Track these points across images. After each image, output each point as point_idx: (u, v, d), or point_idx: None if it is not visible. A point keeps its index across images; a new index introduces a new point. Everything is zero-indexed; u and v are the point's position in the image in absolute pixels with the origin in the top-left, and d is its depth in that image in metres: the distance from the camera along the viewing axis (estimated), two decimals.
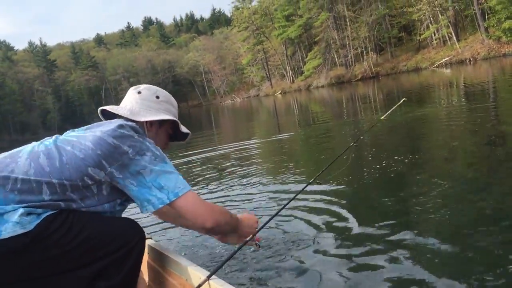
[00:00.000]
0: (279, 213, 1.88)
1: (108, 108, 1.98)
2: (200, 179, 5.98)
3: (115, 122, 1.79)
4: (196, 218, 1.73)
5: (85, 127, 1.87)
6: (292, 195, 2.22)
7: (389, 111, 3.11)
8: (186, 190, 1.72)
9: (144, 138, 1.78)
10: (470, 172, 4.17)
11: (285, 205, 1.93)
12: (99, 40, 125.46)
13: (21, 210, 1.55)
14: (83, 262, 1.64)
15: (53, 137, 1.84)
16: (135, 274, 1.78)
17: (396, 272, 2.29)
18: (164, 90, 2.10)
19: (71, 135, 1.80)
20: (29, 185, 1.61)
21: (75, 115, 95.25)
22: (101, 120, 1.99)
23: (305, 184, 2.28)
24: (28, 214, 1.56)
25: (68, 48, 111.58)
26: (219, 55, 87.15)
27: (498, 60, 30.81)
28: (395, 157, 5.08)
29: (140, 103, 1.97)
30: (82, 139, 1.73)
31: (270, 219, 1.83)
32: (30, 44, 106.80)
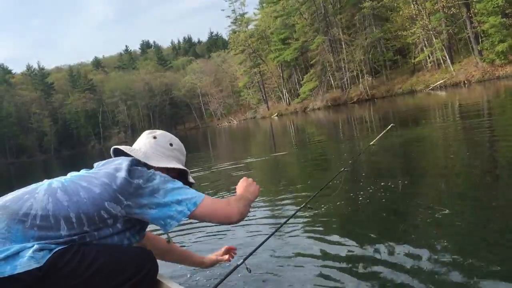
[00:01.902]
0: (269, 238, 1.91)
1: (122, 148, 2.03)
2: None
3: (126, 160, 1.86)
4: (220, 219, 1.85)
5: (98, 164, 1.94)
6: (283, 220, 2.25)
7: (378, 137, 3.16)
8: (202, 198, 1.82)
9: (152, 170, 1.87)
10: (466, 198, 4.20)
11: (275, 231, 1.97)
12: (97, 63, 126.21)
13: (36, 246, 1.60)
14: None
15: (68, 175, 1.90)
16: None
17: None
18: (177, 138, 2.15)
19: (85, 173, 1.87)
20: (48, 221, 1.66)
21: (72, 138, 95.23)
22: (111, 157, 2.04)
23: (295, 210, 2.32)
24: (42, 249, 1.62)
25: (66, 71, 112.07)
26: (216, 78, 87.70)
27: (493, 82, 31.09)
28: (388, 181, 5.11)
29: (154, 148, 2.03)
30: (97, 175, 1.80)
31: (260, 245, 1.86)
32: (28, 67, 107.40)
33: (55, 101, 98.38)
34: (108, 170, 1.81)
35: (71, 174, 1.89)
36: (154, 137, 2.07)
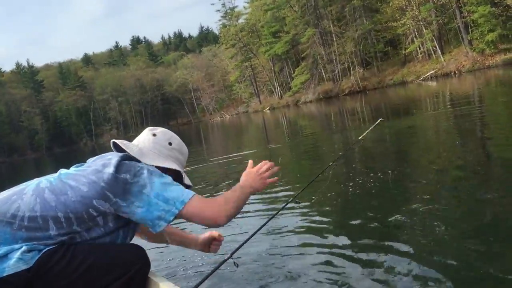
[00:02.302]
0: (257, 233, 1.91)
1: (119, 142, 1.98)
2: None
3: (116, 156, 1.83)
4: (206, 222, 1.78)
5: (91, 160, 1.91)
6: (272, 213, 2.25)
7: (366, 132, 3.16)
8: (190, 196, 1.76)
9: (135, 162, 1.82)
10: (457, 188, 4.21)
11: (261, 227, 1.96)
12: (87, 60, 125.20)
13: (24, 247, 1.60)
14: None
15: (57, 173, 1.87)
16: None
17: None
18: (178, 138, 2.07)
19: (74, 170, 1.84)
20: (36, 222, 1.65)
21: (63, 136, 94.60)
22: (111, 151, 2.02)
23: (283, 204, 2.32)
24: (30, 250, 1.61)
25: (55, 69, 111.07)
26: (207, 73, 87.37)
27: (483, 72, 31.26)
28: (379, 172, 5.13)
29: (152, 145, 1.97)
30: (85, 172, 1.77)
31: (246, 240, 1.85)
32: (18, 65, 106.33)
33: (45, 99, 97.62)
34: (96, 167, 1.78)
35: (61, 172, 1.86)
36: (154, 135, 2.01)
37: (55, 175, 1.83)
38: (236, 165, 8.27)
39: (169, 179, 1.81)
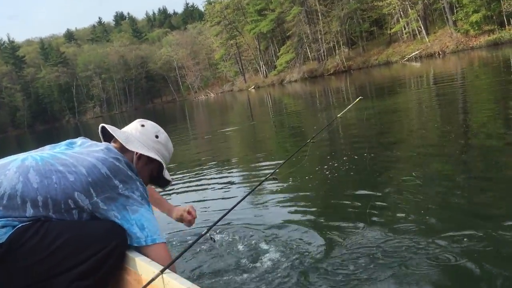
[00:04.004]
0: (233, 209, 1.92)
1: (107, 127, 1.98)
2: None
3: (113, 153, 1.81)
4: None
5: (83, 143, 1.89)
6: (249, 189, 2.27)
7: (345, 110, 3.18)
8: (161, 241, 1.79)
9: (135, 177, 1.81)
10: (436, 162, 4.28)
11: (238, 202, 1.97)
12: (70, 36, 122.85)
13: None
14: (66, 266, 1.64)
15: (44, 150, 1.84)
16: (112, 274, 1.77)
17: (352, 267, 2.35)
18: (166, 134, 2.09)
19: (65, 153, 1.79)
20: (15, 202, 1.63)
21: (45, 113, 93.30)
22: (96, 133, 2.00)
23: (259, 182, 2.33)
24: (4, 226, 1.59)
25: (37, 44, 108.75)
26: (192, 50, 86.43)
27: (466, 53, 31.46)
28: (360, 151, 5.17)
29: (138, 135, 1.98)
30: (76, 161, 1.73)
31: (224, 215, 1.86)
32: None
33: (26, 75, 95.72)
34: (90, 159, 1.74)
35: (49, 151, 1.81)
36: (142, 125, 2.03)
37: (44, 153, 1.78)
38: (220, 142, 8.27)
39: (152, 211, 1.83)
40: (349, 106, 3.22)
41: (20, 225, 1.61)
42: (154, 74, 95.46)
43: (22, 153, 1.83)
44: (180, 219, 2.37)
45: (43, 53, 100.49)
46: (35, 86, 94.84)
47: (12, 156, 1.81)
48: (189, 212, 2.35)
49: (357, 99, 3.24)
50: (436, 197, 3.24)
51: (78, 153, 1.79)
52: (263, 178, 2.37)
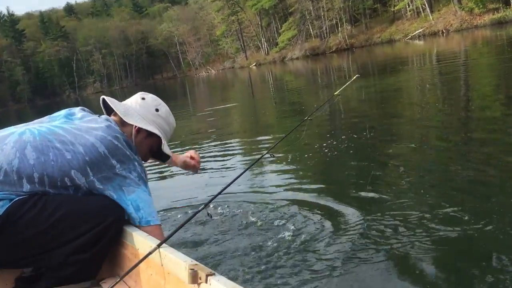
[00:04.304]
0: (231, 185, 1.91)
1: (107, 99, 1.93)
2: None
3: (110, 129, 1.77)
4: None
5: (83, 116, 1.86)
6: (248, 165, 2.26)
7: (342, 87, 3.16)
8: (156, 223, 1.79)
9: (134, 157, 1.79)
10: (437, 139, 4.27)
11: (235, 178, 1.96)
12: (69, 9, 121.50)
13: None
14: (63, 240, 1.65)
15: (43, 123, 1.82)
16: (107, 249, 1.77)
17: (348, 245, 2.35)
18: (167, 108, 2.03)
19: (63, 127, 1.76)
20: (11, 177, 1.62)
21: (45, 87, 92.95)
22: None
23: (257, 158, 2.33)
24: (1, 199, 1.59)
25: (37, 18, 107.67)
26: (193, 26, 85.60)
27: (470, 32, 31.14)
28: (359, 129, 5.15)
29: (138, 108, 1.94)
30: (74, 139, 1.71)
31: (221, 191, 1.85)
32: None
33: (26, 49, 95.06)
34: (89, 138, 1.71)
35: (48, 124, 1.79)
36: (143, 98, 1.98)
37: (42, 127, 1.75)
38: (221, 118, 8.26)
39: (149, 191, 1.82)
40: (347, 84, 3.21)
41: (17, 198, 1.61)
42: (155, 49, 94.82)
43: (21, 125, 1.81)
44: (185, 166, 2.36)
45: (43, 26, 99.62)
46: (35, 60, 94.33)
47: (11, 127, 1.79)
48: (191, 158, 2.34)
49: (354, 77, 3.21)
50: (436, 175, 3.23)
51: (77, 129, 1.76)
52: (259, 156, 2.36)
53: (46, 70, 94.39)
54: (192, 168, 2.36)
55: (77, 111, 1.92)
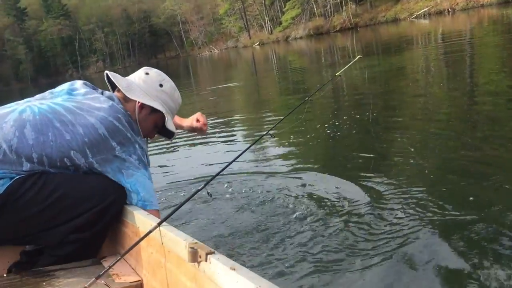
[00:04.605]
0: (231, 164, 1.91)
1: (110, 75, 1.89)
2: None
3: (112, 109, 1.74)
4: None
5: (83, 91, 1.82)
6: (248, 144, 2.26)
7: (344, 68, 3.13)
8: (154, 208, 1.78)
9: (135, 139, 1.77)
10: (441, 120, 4.24)
11: (235, 158, 1.95)
12: None
13: None
14: (63, 219, 1.65)
15: (44, 99, 1.79)
16: (108, 228, 1.78)
17: (346, 229, 2.35)
18: (172, 83, 1.98)
19: (64, 105, 1.73)
20: (10, 157, 1.61)
21: (48, 66, 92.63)
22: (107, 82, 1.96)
23: (256, 139, 2.32)
24: (1, 178, 1.59)
25: None
26: (196, 5, 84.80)
27: (477, 11, 30.72)
28: (361, 109, 5.12)
29: (141, 83, 1.89)
30: (75, 119, 1.68)
31: (221, 171, 1.85)
32: None
33: (29, 28, 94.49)
34: (89, 118, 1.69)
35: (49, 101, 1.76)
36: (147, 73, 1.93)
37: (43, 104, 1.73)
38: (223, 96, 8.24)
39: (150, 175, 1.81)
40: (349, 64, 3.18)
41: (17, 177, 1.61)
42: (157, 28, 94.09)
43: (23, 101, 1.80)
44: (193, 130, 2.35)
45: (45, 5, 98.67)
46: (38, 39, 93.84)
47: (13, 104, 1.78)
48: (197, 120, 2.31)
49: (356, 57, 3.18)
50: (439, 156, 3.21)
51: (78, 108, 1.73)
52: (259, 136, 2.35)
53: (49, 49, 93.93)
54: (199, 131, 2.34)
55: (80, 85, 1.89)
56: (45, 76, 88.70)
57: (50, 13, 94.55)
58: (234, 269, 1.07)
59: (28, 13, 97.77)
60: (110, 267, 1.43)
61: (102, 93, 1.85)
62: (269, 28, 61.63)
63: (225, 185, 3.11)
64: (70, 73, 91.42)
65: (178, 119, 2.36)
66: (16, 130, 1.64)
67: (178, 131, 2.18)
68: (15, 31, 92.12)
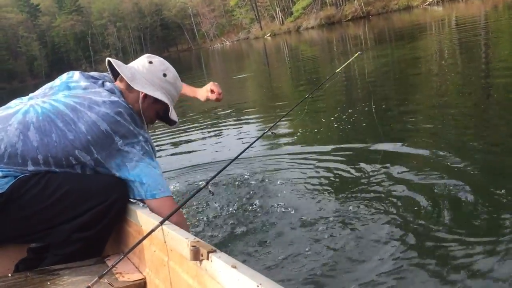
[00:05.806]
0: (233, 162, 1.90)
1: (113, 63, 1.89)
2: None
3: (113, 104, 1.73)
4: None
5: (83, 85, 1.81)
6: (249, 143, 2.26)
7: (344, 65, 3.10)
8: (165, 195, 1.76)
9: (138, 131, 1.76)
10: (453, 110, 4.18)
11: (237, 156, 1.94)
12: None
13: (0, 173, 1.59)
14: (66, 217, 1.66)
15: (46, 97, 1.78)
16: (111, 227, 1.79)
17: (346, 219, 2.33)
18: (174, 71, 1.97)
19: (65, 103, 1.73)
20: (15, 159, 1.63)
21: (62, 62, 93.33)
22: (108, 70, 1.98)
23: (258, 136, 2.31)
24: (5, 176, 1.61)
25: None
26: None
27: None
28: (367, 104, 5.06)
29: (145, 72, 1.88)
30: (77, 117, 1.68)
31: (222, 169, 1.84)
32: None
33: (42, 24, 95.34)
34: (91, 115, 1.68)
35: (50, 99, 1.76)
36: (150, 62, 1.92)
37: (45, 103, 1.73)
38: (235, 88, 8.24)
39: (156, 163, 1.80)
40: (348, 61, 3.15)
41: (22, 175, 1.63)
42: (169, 22, 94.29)
43: (25, 98, 1.81)
44: (207, 100, 2.52)
45: (57, 1, 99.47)
46: (51, 35, 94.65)
47: (16, 102, 1.78)
48: (212, 91, 2.46)
49: (356, 54, 3.13)
50: (452, 146, 3.15)
51: (79, 104, 1.72)
52: (259, 135, 2.35)
53: (62, 45, 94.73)
54: (215, 99, 2.50)
55: (78, 77, 1.88)
56: (59, 71, 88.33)
57: (62, 9, 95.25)
58: (236, 267, 1.07)
59: (41, 9, 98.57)
60: (113, 266, 1.43)
61: (102, 85, 1.85)
62: (281, 18, 61.34)
63: (226, 182, 3.11)
64: (84, 68, 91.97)
65: (191, 91, 2.52)
66: (20, 133, 1.65)
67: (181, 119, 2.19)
68: (28, 27, 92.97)
